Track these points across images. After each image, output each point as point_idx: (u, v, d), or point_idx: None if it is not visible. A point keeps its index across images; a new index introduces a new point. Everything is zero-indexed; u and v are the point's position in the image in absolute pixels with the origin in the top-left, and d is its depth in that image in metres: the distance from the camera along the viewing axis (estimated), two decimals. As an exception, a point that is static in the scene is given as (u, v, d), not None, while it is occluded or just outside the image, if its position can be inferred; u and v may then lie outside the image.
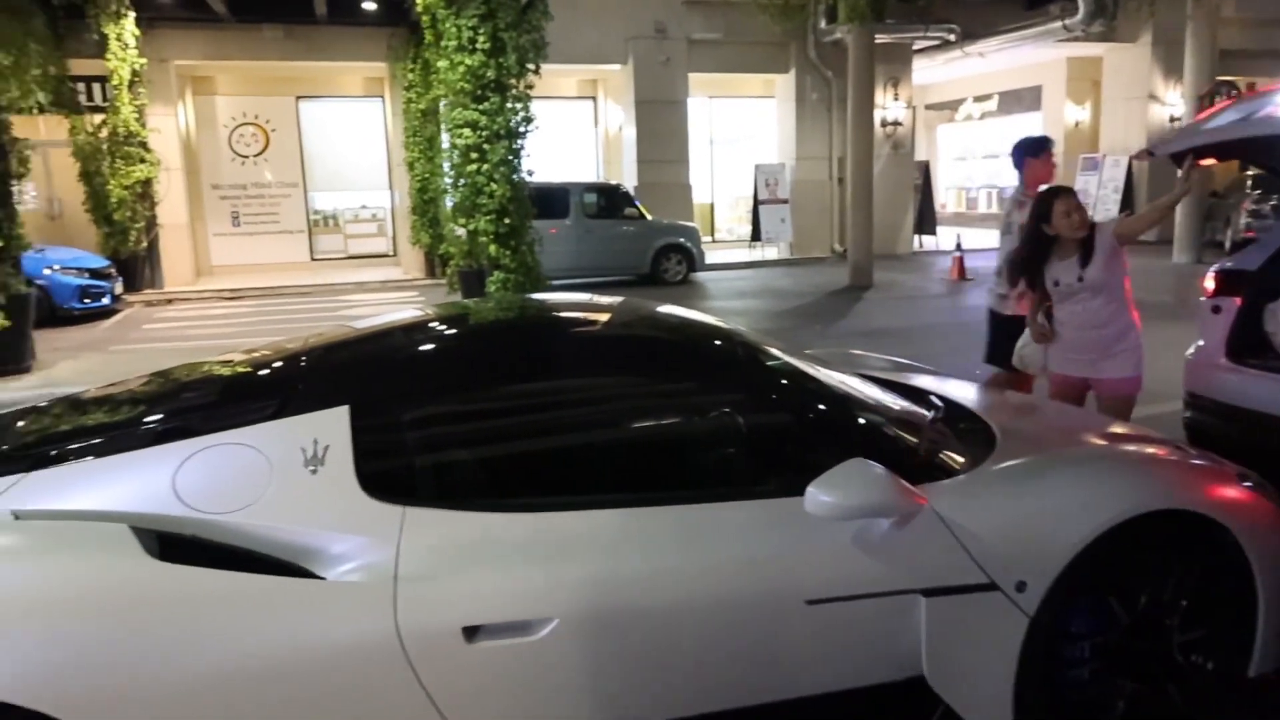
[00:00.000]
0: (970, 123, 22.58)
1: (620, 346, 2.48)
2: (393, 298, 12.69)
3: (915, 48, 16.20)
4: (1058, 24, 14.28)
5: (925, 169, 17.28)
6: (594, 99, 17.51)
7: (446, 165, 8.97)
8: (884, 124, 15.89)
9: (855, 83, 12.61)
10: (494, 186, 7.85)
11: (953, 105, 22.88)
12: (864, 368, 3.16)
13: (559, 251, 11.65)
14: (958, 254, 12.86)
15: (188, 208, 14.27)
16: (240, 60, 14.29)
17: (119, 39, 12.41)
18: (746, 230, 16.69)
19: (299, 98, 15.85)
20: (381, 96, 15.70)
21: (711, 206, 18.52)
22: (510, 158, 7.90)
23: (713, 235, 17.95)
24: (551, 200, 11.95)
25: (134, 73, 12.65)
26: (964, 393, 2.95)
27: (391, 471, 1.96)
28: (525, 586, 1.81)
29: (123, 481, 1.87)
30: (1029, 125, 20.19)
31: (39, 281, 9.55)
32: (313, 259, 16.08)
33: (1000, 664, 2.01)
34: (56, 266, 10.70)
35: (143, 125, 12.92)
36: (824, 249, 16.33)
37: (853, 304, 10.97)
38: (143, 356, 8.00)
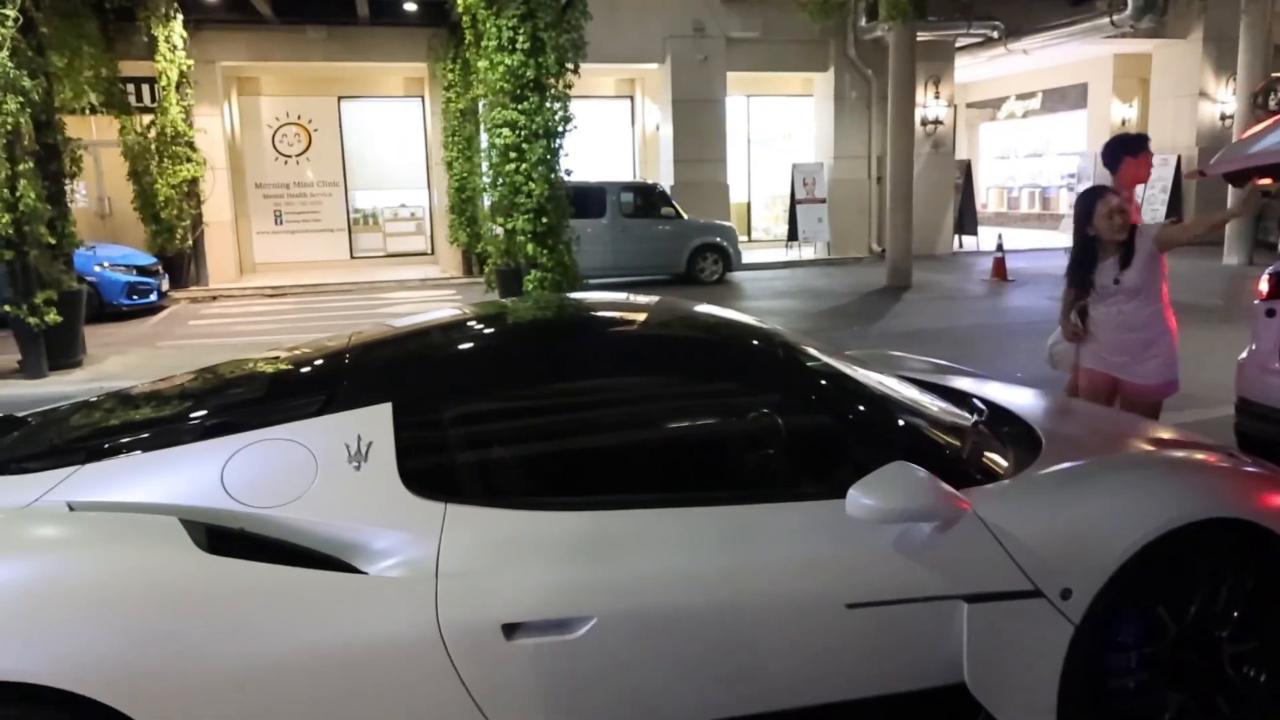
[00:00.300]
0: (1013, 121, 22.20)
1: (658, 346, 2.48)
2: (431, 296, 12.82)
3: (958, 45, 15.96)
4: (1105, 20, 13.97)
5: (966, 168, 17.02)
6: (631, 98, 17.52)
7: (485, 165, 9.05)
8: (924, 122, 15.68)
9: (896, 81, 12.46)
10: (532, 186, 7.90)
11: (995, 103, 22.50)
12: (903, 369, 3.12)
13: (595, 251, 11.70)
14: (999, 254, 12.64)
15: (232, 206, 14.57)
16: (284, 61, 14.55)
17: (167, 41, 12.72)
18: (783, 230, 16.59)
19: (341, 98, 16.10)
20: (421, 96, 15.87)
21: (748, 206, 18.43)
22: (548, 157, 7.94)
23: (749, 235, 17.87)
24: (588, 199, 11.99)
25: (181, 74, 12.95)
26: (1007, 395, 2.90)
27: (433, 468, 1.98)
28: (564, 585, 1.82)
29: (173, 475, 1.92)
30: (1074, 123, 19.84)
31: (89, 278, 9.81)
32: (352, 257, 16.32)
33: (1043, 672, 1.98)
34: (106, 264, 10.98)
35: (189, 125, 13.23)
36: (861, 249, 16.17)
37: (891, 305, 10.84)
38: (189, 352, 8.19)
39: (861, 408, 2.31)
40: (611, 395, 2.29)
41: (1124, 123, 18.50)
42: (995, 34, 15.10)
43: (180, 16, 12.79)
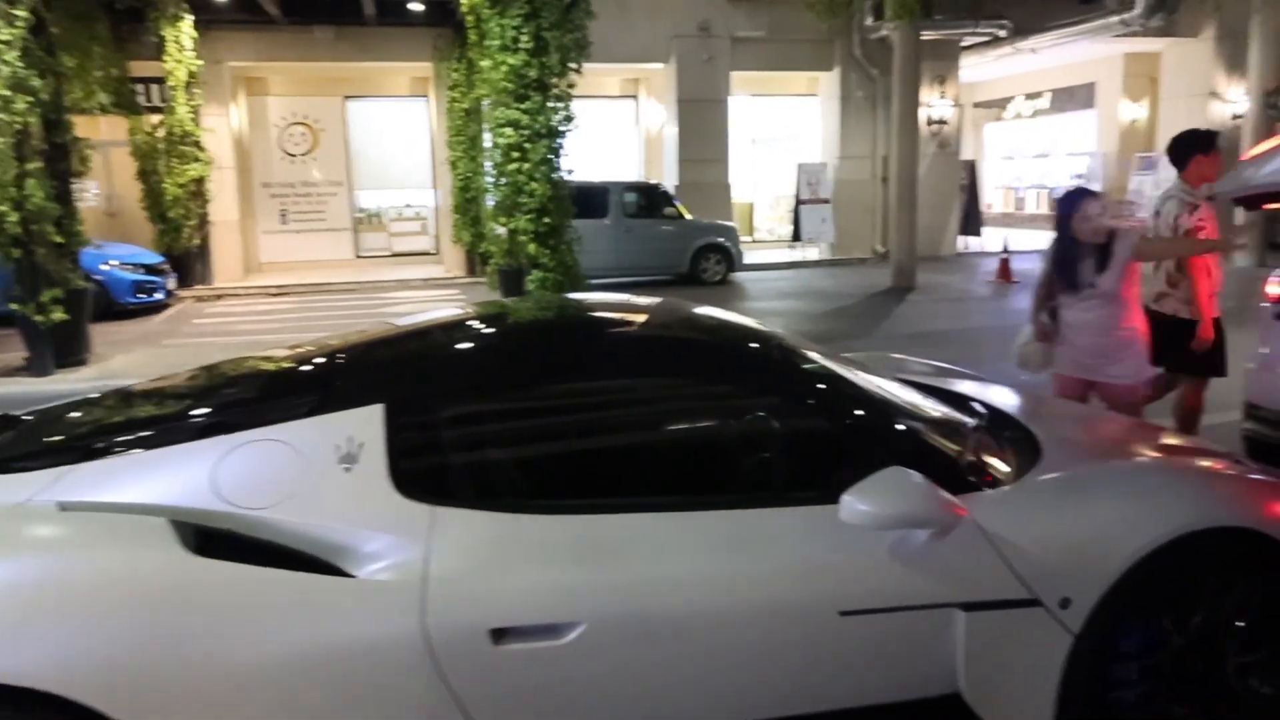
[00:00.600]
0: (1019, 121, 22.10)
1: (657, 348, 2.45)
2: (434, 295, 12.83)
3: (964, 44, 15.89)
4: (1115, 19, 13.89)
5: (972, 168, 16.94)
6: (635, 98, 17.50)
7: (488, 164, 9.06)
8: (930, 122, 15.62)
9: (901, 80, 12.41)
10: (534, 185, 7.89)
11: (1001, 103, 22.41)
12: (905, 372, 3.09)
13: (598, 251, 11.66)
14: (1004, 255, 12.58)
15: (238, 206, 14.61)
16: (291, 61, 14.59)
17: (176, 41, 12.76)
18: (787, 230, 16.54)
19: (347, 98, 16.13)
20: (426, 96, 15.89)
21: (751, 206, 18.40)
22: (551, 157, 7.93)
23: (752, 235, 17.83)
24: (591, 199, 11.97)
25: (190, 74, 12.99)
26: (1008, 399, 2.87)
27: (424, 471, 1.96)
28: (553, 589, 1.80)
29: (164, 475, 1.90)
30: (1082, 123, 19.73)
31: (96, 276, 9.83)
32: (357, 256, 16.35)
33: (1041, 683, 1.94)
34: (114, 262, 11.02)
35: (197, 125, 13.27)
36: (866, 250, 16.11)
37: (895, 306, 10.80)
38: (193, 351, 8.20)
39: (859, 411, 2.28)
40: (605, 398, 2.27)
41: (1133, 123, 18.41)
42: (1003, 33, 15.04)
43: (189, 17, 12.83)
